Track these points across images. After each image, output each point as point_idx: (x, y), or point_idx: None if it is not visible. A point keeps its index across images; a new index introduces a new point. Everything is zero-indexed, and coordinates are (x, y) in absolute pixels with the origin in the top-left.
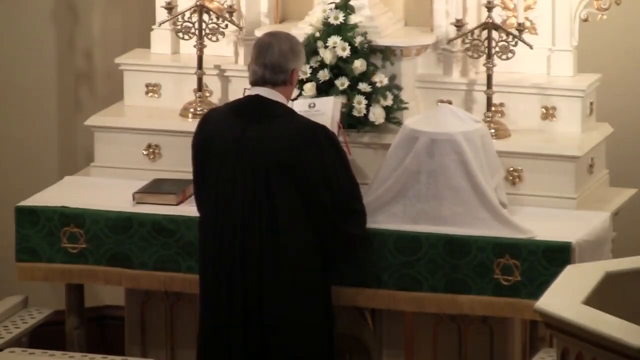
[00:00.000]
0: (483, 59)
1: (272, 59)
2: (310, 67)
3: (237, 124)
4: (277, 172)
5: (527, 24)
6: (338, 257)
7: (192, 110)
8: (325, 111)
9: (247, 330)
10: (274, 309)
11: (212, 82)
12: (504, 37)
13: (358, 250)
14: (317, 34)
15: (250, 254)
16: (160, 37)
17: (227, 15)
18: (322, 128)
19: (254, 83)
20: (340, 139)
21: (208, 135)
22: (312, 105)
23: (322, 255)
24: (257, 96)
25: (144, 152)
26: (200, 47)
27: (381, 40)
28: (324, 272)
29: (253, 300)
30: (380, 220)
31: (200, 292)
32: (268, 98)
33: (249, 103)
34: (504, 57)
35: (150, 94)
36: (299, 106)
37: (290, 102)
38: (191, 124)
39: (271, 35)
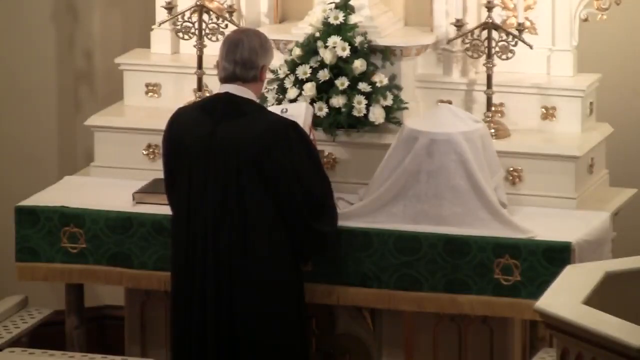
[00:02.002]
0: (483, 59)
1: (243, 55)
2: (310, 67)
3: (207, 123)
4: (248, 169)
5: (527, 24)
6: (308, 254)
7: None
8: (297, 116)
9: (219, 328)
10: (246, 307)
11: (212, 82)
12: (504, 37)
13: (328, 247)
14: (317, 34)
15: (222, 252)
16: (160, 37)
17: (227, 15)
18: (292, 124)
19: (224, 80)
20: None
21: (177, 134)
22: (284, 110)
23: (293, 253)
24: (227, 94)
25: (144, 152)
26: (200, 47)
27: (381, 40)
28: (296, 270)
29: (225, 299)
30: (380, 220)
31: (171, 290)
32: (238, 95)
33: (218, 101)
34: (504, 57)
35: (150, 93)
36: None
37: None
38: None
39: (241, 32)
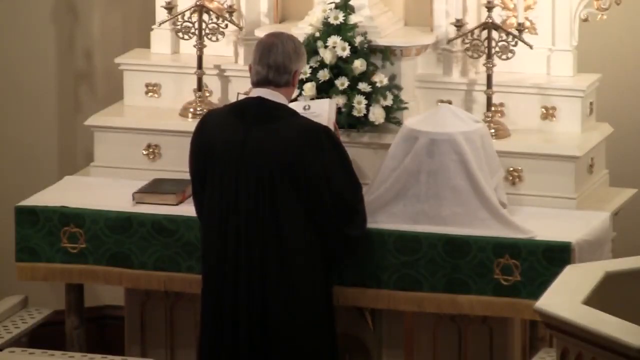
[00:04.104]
0: (483, 59)
1: (276, 59)
2: (310, 67)
3: (239, 127)
4: (280, 174)
5: (527, 24)
6: (338, 257)
7: (192, 110)
8: (320, 113)
9: (251, 331)
10: (277, 309)
11: (212, 82)
12: (504, 37)
13: (357, 250)
14: (317, 34)
15: (254, 256)
16: (160, 37)
17: (227, 15)
18: (325, 129)
19: (256, 84)
20: None
21: (208, 138)
22: (307, 107)
23: (324, 256)
24: (259, 98)
25: (144, 152)
26: (200, 47)
27: (381, 40)
28: (326, 272)
29: (257, 302)
30: (380, 220)
31: (202, 294)
32: (270, 100)
33: (251, 105)
34: (504, 57)
35: (150, 93)
36: (294, 108)
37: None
38: (191, 124)
39: (274, 35)
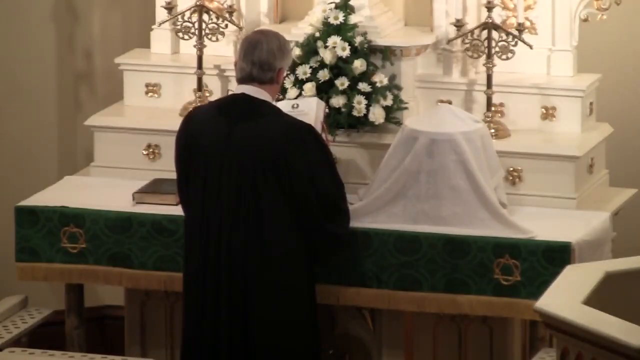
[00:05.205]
0: (483, 59)
1: (260, 56)
2: (310, 67)
3: (223, 123)
4: (263, 171)
5: (527, 24)
6: (322, 256)
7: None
8: (308, 111)
9: (232, 328)
10: (259, 307)
11: (212, 82)
12: (504, 37)
13: (342, 249)
14: (317, 34)
15: (237, 253)
16: (160, 37)
17: (227, 15)
18: (308, 127)
19: (240, 80)
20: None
21: (192, 135)
22: (295, 106)
23: (307, 254)
24: (243, 95)
25: (144, 152)
26: (200, 47)
27: (381, 40)
28: (309, 271)
29: (238, 299)
30: (380, 220)
31: (184, 290)
32: (254, 97)
33: (235, 102)
34: (504, 57)
35: (150, 94)
36: (282, 107)
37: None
38: None
39: (260, 33)
